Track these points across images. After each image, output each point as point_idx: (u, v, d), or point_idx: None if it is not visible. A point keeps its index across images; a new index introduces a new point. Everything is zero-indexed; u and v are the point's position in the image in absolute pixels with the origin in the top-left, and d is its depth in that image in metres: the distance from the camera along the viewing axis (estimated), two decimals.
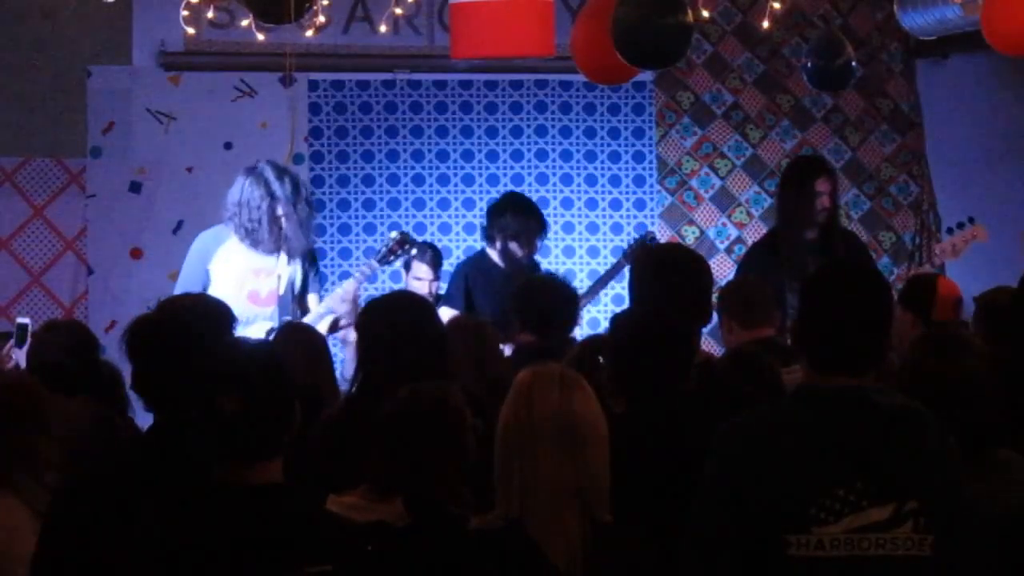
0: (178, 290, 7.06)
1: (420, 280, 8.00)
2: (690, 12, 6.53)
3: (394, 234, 7.64)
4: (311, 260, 7.59)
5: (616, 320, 4.46)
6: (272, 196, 7.28)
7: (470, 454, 3.72)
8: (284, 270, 7.34)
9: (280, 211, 7.28)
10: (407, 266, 8.18)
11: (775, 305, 6.20)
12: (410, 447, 3.68)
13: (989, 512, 3.73)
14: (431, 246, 8.34)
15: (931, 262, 7.52)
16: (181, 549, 3.29)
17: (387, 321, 4.51)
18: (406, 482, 3.65)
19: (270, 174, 7.34)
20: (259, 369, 3.41)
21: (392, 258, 7.61)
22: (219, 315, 4.81)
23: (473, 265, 8.07)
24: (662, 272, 4.51)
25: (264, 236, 7.29)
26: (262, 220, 7.28)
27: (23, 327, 6.07)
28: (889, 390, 3.47)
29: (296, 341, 5.67)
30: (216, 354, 3.51)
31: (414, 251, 7.71)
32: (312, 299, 7.43)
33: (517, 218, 7.90)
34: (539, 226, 8.00)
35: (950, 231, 7.68)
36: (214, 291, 7.12)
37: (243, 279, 7.36)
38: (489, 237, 7.99)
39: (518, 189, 8.79)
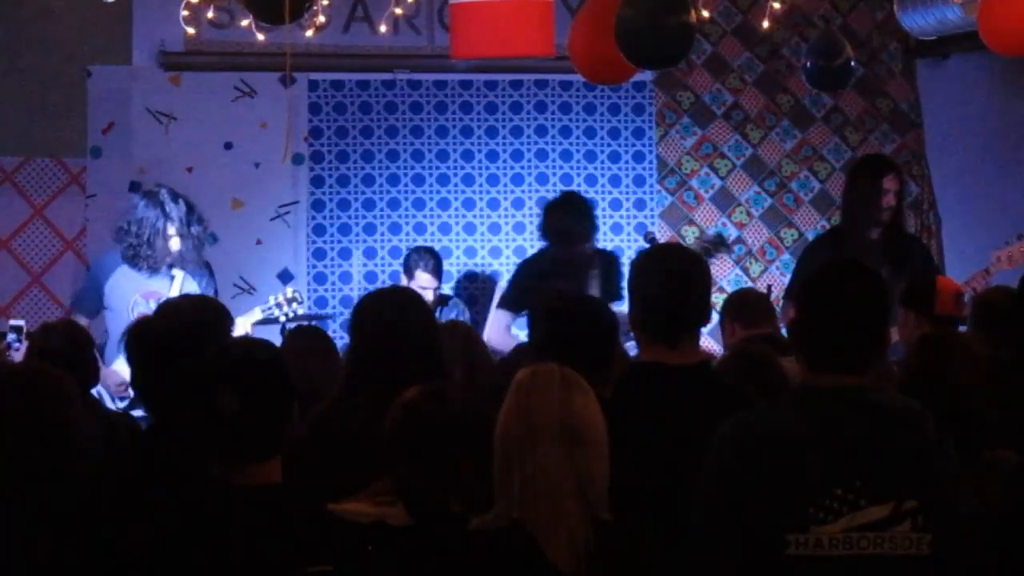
0: (74, 304, 7.57)
1: (424, 289, 7.97)
2: (693, 12, 6.52)
3: (290, 291, 7.79)
4: (210, 274, 7.81)
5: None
6: (166, 216, 7.56)
7: (486, 456, 3.66)
8: (178, 291, 7.47)
9: (172, 231, 7.55)
10: (410, 273, 8.16)
11: (774, 312, 6.32)
12: (437, 457, 3.60)
13: (985, 512, 3.73)
14: (432, 252, 8.30)
15: (985, 269, 7.40)
16: (180, 550, 3.29)
17: (378, 315, 4.48)
18: (425, 489, 3.58)
19: (166, 196, 7.64)
20: (257, 369, 3.41)
21: (278, 313, 7.70)
22: (218, 317, 4.81)
23: (540, 262, 8.05)
24: (661, 272, 4.49)
25: (148, 254, 7.54)
26: (152, 239, 7.53)
27: (18, 328, 6.14)
28: (888, 390, 3.48)
29: (305, 345, 5.65)
30: (214, 354, 3.51)
31: (300, 310, 7.76)
32: None
33: (565, 219, 7.92)
34: (586, 227, 7.98)
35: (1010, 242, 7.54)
36: (109, 315, 7.57)
37: (133, 303, 7.55)
38: (544, 235, 8.05)
39: (517, 189, 8.78)
